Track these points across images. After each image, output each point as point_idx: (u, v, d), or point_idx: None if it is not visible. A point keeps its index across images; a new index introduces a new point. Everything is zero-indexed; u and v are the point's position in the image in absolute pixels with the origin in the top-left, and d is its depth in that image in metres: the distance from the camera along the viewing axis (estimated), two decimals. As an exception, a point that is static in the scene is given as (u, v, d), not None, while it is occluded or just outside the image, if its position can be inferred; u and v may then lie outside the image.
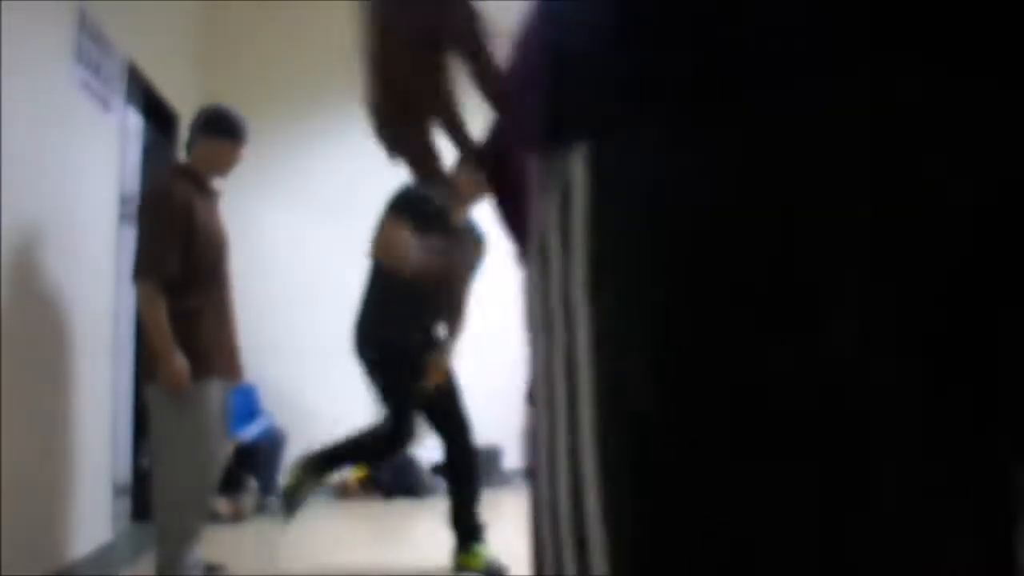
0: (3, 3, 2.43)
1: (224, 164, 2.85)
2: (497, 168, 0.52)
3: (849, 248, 0.36)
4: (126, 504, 3.48)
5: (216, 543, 3.66)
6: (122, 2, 3.52)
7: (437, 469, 4.59)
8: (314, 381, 5.22)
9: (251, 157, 5.23)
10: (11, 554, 2.37)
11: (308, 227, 5.42)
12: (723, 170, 0.38)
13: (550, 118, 0.44)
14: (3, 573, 2.31)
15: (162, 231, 2.63)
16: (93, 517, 3.10)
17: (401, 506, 4.82)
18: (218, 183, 2.92)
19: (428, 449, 4.51)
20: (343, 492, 5.10)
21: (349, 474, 5.11)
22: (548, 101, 0.44)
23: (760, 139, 0.37)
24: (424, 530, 4.04)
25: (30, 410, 2.58)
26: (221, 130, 2.81)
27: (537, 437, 0.44)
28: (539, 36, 0.46)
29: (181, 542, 2.66)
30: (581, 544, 0.40)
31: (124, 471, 3.48)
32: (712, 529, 0.36)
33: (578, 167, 0.42)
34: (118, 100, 3.45)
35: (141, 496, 3.47)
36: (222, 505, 4.29)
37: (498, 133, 0.52)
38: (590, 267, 0.41)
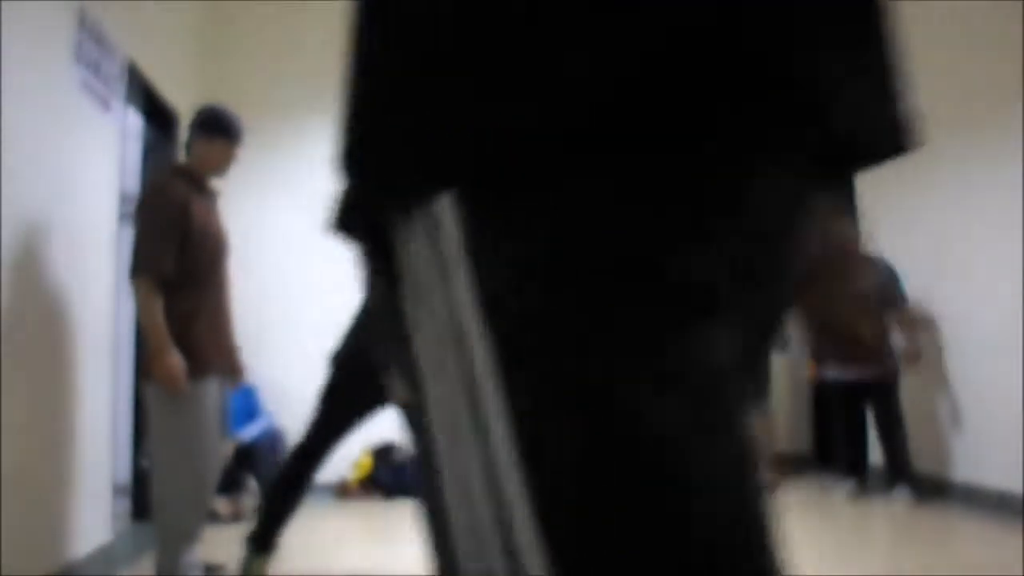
0: (3, 3, 2.43)
1: (221, 163, 2.85)
2: (364, 226, 0.52)
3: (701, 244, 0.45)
4: (126, 504, 3.48)
5: (216, 543, 3.67)
6: (122, 2, 3.53)
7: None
8: (314, 381, 5.22)
9: (251, 157, 5.25)
10: (11, 554, 2.38)
11: (308, 227, 5.42)
12: (585, 204, 0.43)
13: (414, 171, 0.46)
14: (3, 573, 2.31)
15: (158, 230, 2.63)
16: (93, 517, 3.10)
17: (401, 506, 4.82)
18: (218, 183, 2.92)
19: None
20: (343, 492, 5.10)
21: (349, 474, 5.11)
22: (412, 155, 0.46)
23: (607, 184, 0.44)
24: (424, 530, 4.04)
25: (30, 409, 2.58)
26: (216, 129, 2.81)
27: (446, 466, 0.46)
28: (389, 86, 0.48)
29: (181, 542, 2.66)
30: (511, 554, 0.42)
31: (124, 471, 3.48)
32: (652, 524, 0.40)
33: (445, 205, 0.45)
34: (118, 100, 3.45)
35: (141, 496, 3.47)
36: (222, 505, 4.30)
37: (360, 194, 0.52)
38: (476, 289, 0.44)
